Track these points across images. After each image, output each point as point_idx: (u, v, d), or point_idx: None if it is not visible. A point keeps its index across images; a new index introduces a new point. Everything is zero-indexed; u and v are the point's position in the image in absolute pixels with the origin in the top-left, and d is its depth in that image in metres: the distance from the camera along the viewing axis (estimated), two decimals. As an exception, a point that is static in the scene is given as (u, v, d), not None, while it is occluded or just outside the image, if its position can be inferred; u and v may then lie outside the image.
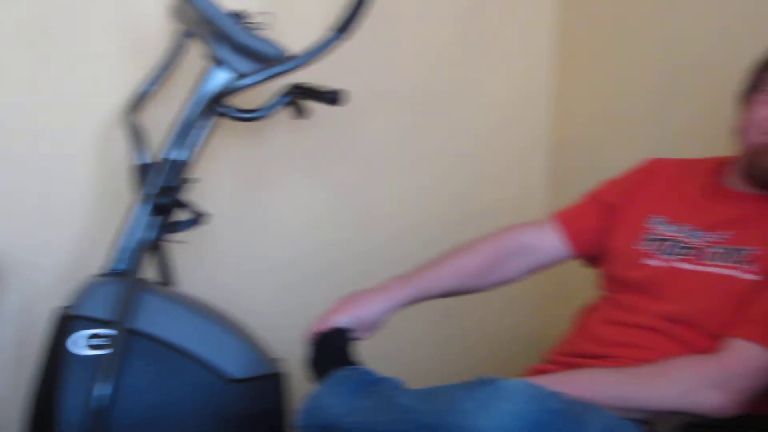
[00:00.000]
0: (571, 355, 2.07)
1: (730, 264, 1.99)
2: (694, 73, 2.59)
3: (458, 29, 2.91)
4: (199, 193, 2.38)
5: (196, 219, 2.33)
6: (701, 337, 1.96)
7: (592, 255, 2.25)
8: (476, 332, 2.91)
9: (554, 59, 3.04)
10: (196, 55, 2.35)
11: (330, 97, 2.34)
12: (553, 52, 3.03)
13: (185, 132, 2.29)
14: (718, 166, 2.19)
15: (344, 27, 2.21)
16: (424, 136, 2.89)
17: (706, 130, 2.33)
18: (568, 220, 2.26)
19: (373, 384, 1.90)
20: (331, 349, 2.02)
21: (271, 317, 2.59)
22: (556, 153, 3.04)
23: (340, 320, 2.06)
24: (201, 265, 2.63)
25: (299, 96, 2.41)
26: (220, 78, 2.30)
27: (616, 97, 2.86)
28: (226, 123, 2.38)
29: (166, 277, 2.37)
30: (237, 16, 2.30)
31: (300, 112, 2.43)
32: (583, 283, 2.28)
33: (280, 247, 2.76)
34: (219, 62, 2.28)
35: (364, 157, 2.82)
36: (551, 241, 2.25)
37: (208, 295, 2.37)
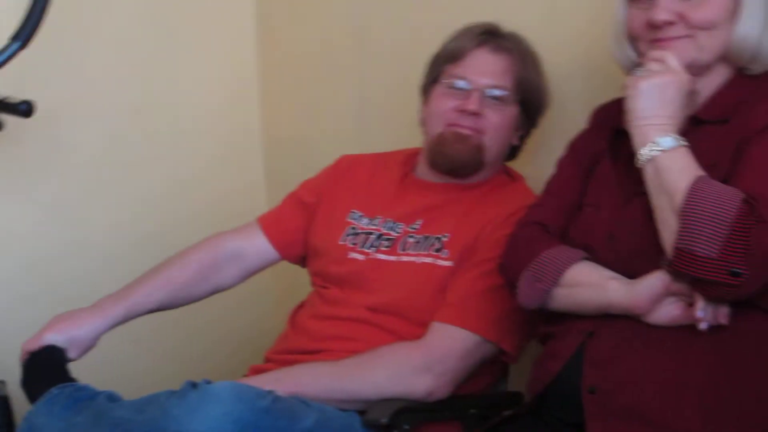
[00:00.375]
0: (287, 353, 2.10)
1: (424, 252, 2.08)
2: (389, 65, 2.67)
3: (156, 30, 2.86)
4: None
5: None
6: (407, 324, 2.03)
7: (299, 255, 2.29)
8: (207, 335, 2.89)
9: (258, 59, 3.07)
10: None
11: (21, 109, 2.25)
12: (256, 50, 3.06)
13: None
14: (409, 157, 2.28)
15: (22, 36, 2.14)
16: (133, 141, 2.81)
17: (405, 122, 2.41)
18: (271, 223, 2.29)
19: (87, 399, 1.88)
20: (43, 368, 1.98)
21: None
22: (271, 152, 3.07)
23: (52, 338, 2.03)
24: None
25: (-13, 109, 2.31)
26: None
27: (320, 94, 2.91)
28: None
29: None
30: None
31: (-9, 126, 2.34)
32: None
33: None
34: None
35: (71, 167, 2.72)
36: (257, 246, 2.27)
37: None
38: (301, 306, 2.23)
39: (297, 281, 2.40)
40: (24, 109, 2.25)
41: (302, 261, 2.29)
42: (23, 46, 2.16)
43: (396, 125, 2.59)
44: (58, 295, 2.51)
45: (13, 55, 2.16)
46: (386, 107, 2.69)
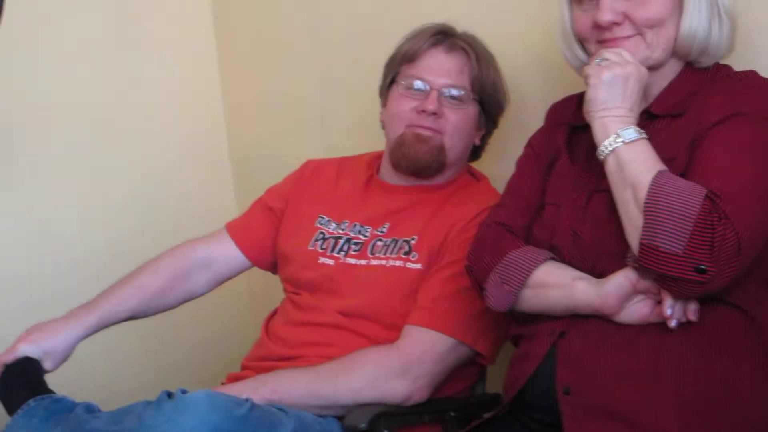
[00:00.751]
0: (263, 360, 2.10)
1: (394, 255, 2.08)
2: (350, 71, 2.69)
3: (115, 35, 2.88)
4: None
5: None
6: (380, 328, 2.03)
7: (270, 261, 2.29)
8: (184, 343, 2.89)
9: (219, 62, 3.07)
10: None
11: None
12: (216, 53, 3.08)
13: None
14: (373, 160, 2.29)
15: None
16: (97, 148, 2.83)
17: (369, 124, 2.43)
18: (239, 230, 2.29)
19: (65, 411, 1.87)
20: (19, 380, 1.97)
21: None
22: (237, 151, 3.08)
23: (27, 350, 2.02)
24: None
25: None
26: None
27: (282, 91, 2.92)
28: None
29: None
30: None
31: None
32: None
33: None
34: None
35: (35, 176, 2.72)
36: (227, 253, 2.27)
37: None
38: (274, 313, 2.23)
39: (272, 288, 2.41)
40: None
41: (273, 267, 2.29)
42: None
43: (357, 114, 2.61)
44: (31, 304, 2.51)
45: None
46: (347, 99, 2.71)
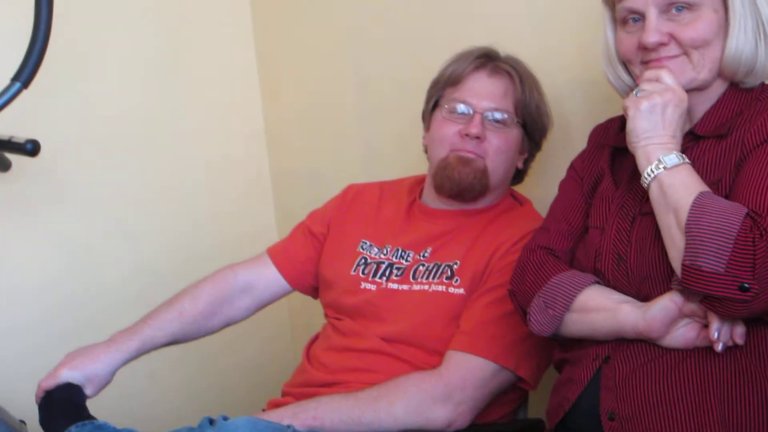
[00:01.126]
0: (304, 386, 2.09)
1: (436, 280, 2.06)
2: (391, 96, 2.69)
3: (161, 68, 2.91)
4: None
5: None
6: (422, 353, 2.02)
7: (311, 285, 2.28)
8: (225, 369, 2.90)
9: (264, 100, 3.09)
10: None
11: (28, 148, 2.22)
12: (260, 90, 3.09)
13: None
14: (415, 184, 2.28)
15: (22, 76, 2.14)
16: (142, 179, 2.86)
17: (410, 150, 2.42)
18: (280, 254, 2.29)
19: (106, 437, 1.87)
20: (60, 406, 1.97)
21: (13, 380, 2.49)
22: (280, 188, 3.09)
23: (69, 375, 2.02)
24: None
25: (-7, 149, 2.30)
26: None
27: (325, 129, 2.93)
28: None
29: None
30: None
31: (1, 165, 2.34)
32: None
33: (8, 309, 2.65)
34: None
35: (79, 206, 2.75)
36: (268, 277, 2.26)
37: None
38: (315, 338, 2.22)
39: (313, 313, 2.40)
40: (30, 149, 2.23)
41: (314, 292, 2.29)
42: (24, 86, 2.16)
43: (401, 154, 2.60)
44: (74, 333, 2.51)
45: (14, 96, 2.16)
46: (388, 124, 2.71)
